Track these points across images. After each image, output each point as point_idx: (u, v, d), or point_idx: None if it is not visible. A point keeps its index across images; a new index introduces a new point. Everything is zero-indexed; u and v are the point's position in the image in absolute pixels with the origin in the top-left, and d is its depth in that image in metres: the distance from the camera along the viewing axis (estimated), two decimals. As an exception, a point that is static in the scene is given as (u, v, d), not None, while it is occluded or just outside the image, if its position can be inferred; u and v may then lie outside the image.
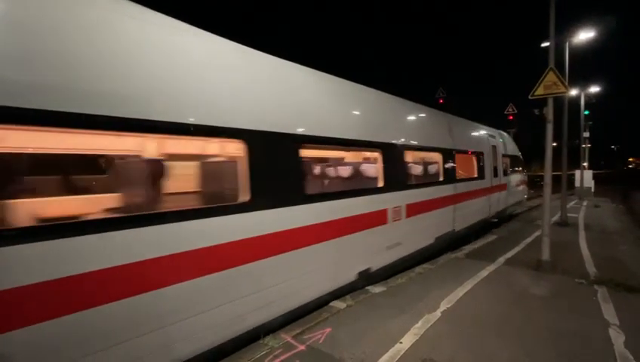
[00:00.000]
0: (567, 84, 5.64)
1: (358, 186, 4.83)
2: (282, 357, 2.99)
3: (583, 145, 20.36)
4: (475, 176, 8.64)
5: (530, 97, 5.68)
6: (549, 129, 5.65)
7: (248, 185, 3.10)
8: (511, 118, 17.55)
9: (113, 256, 2.25)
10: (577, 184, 19.40)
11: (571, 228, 9.38)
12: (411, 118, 6.52)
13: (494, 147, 10.13)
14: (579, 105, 18.99)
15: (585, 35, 11.67)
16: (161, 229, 2.50)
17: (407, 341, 3.29)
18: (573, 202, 16.20)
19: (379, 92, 5.83)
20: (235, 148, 3.22)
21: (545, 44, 7.42)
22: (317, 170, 5.17)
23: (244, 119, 3.14)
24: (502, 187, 10.62)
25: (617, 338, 3.37)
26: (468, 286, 4.81)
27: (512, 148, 12.75)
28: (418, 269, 5.63)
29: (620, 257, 6.40)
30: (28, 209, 3.12)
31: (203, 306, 2.77)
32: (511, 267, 5.78)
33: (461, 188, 7.69)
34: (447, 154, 7.17)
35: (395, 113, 6.02)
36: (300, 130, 3.74)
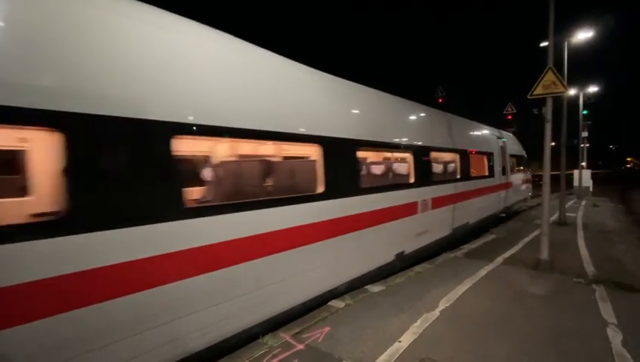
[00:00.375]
0: (565, 83, 5.64)
1: (396, 182, 5.79)
2: (281, 357, 3.00)
3: (582, 145, 20.33)
4: (487, 174, 9.31)
5: (529, 97, 5.69)
6: (548, 128, 5.65)
7: (324, 179, 3.90)
8: (510, 117, 17.60)
9: (265, 225, 3.20)
10: (576, 183, 19.40)
11: (570, 228, 9.39)
12: (434, 122, 7.32)
13: (502, 147, 10.68)
14: (578, 104, 19.00)
15: (584, 35, 11.66)
16: (285, 210, 3.43)
17: (405, 340, 3.30)
18: (571, 201, 16.21)
19: (410, 101, 6.67)
20: (313, 151, 4.04)
21: (544, 44, 7.40)
22: (367, 167, 6.17)
23: (321, 127, 3.99)
24: (509, 185, 11.28)
25: (615, 337, 3.38)
26: (466, 285, 4.82)
27: (518, 149, 13.34)
28: (417, 268, 5.64)
29: (619, 256, 6.41)
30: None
31: (308, 266, 3.77)
32: (510, 266, 5.80)
33: (475, 185, 8.34)
34: (464, 155, 7.83)
35: (421, 119, 6.82)
36: (356, 136, 4.55)
